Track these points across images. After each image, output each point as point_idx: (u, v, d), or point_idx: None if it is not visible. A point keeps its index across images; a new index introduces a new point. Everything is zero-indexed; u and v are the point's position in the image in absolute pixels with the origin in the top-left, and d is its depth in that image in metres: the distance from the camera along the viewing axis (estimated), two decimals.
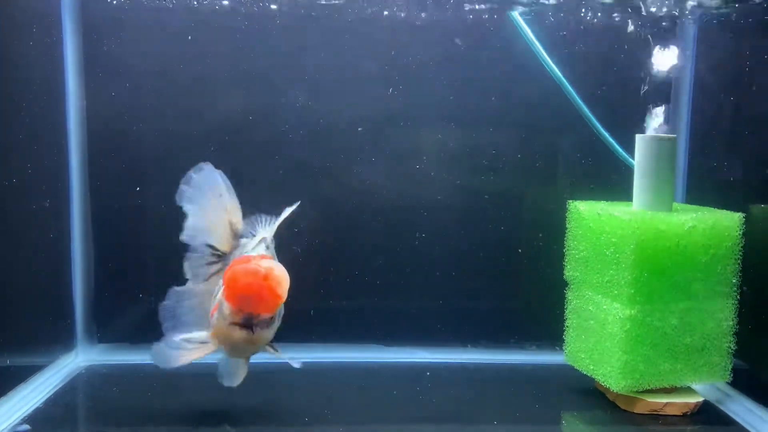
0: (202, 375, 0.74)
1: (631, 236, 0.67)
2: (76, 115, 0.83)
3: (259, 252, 0.62)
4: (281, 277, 0.57)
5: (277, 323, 0.60)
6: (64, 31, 0.81)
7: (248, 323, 0.57)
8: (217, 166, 0.83)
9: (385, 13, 0.83)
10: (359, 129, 0.85)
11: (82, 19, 0.82)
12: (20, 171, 0.73)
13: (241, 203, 0.85)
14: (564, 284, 0.77)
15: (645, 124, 0.72)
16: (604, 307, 0.71)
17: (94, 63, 0.82)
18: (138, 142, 0.84)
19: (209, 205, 0.64)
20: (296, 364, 0.64)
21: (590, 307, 0.73)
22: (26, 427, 0.64)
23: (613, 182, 0.83)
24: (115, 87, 0.83)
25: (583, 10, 0.84)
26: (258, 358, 0.83)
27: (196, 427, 0.65)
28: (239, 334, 0.58)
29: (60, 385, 0.74)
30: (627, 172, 0.79)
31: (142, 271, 0.85)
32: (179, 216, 0.84)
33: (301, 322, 0.86)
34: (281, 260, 0.63)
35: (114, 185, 0.84)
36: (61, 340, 0.82)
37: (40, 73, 0.78)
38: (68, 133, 0.82)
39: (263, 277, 0.56)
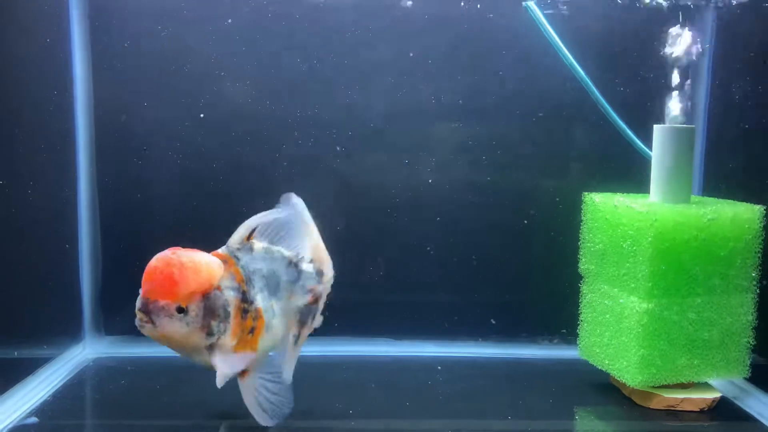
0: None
1: (649, 228, 0.66)
2: (84, 108, 0.82)
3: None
4: (186, 265, 0.55)
5: (195, 321, 0.56)
6: (71, 20, 0.80)
7: (144, 308, 0.55)
8: (226, 157, 0.83)
9: (409, 3, 0.82)
10: (349, 132, 0.84)
11: (89, 9, 0.81)
12: (28, 164, 0.73)
13: (251, 195, 0.84)
14: (577, 277, 0.76)
15: (666, 111, 0.70)
16: (621, 300, 0.69)
17: (102, 53, 0.81)
18: (146, 135, 0.83)
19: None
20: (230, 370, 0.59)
21: (606, 301, 0.72)
22: (34, 419, 0.64)
23: (629, 174, 0.82)
24: (123, 78, 0.82)
25: None
26: None
27: (204, 420, 0.64)
28: (139, 320, 0.56)
29: (67, 378, 0.74)
30: (644, 163, 0.78)
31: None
32: (186, 208, 0.84)
33: None
34: None
35: (122, 178, 0.83)
36: (68, 332, 0.81)
37: (47, 64, 0.77)
38: (76, 126, 0.82)
39: (167, 263, 0.55)
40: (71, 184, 0.82)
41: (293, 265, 0.64)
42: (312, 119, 0.84)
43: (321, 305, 0.66)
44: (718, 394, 0.70)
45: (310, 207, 0.83)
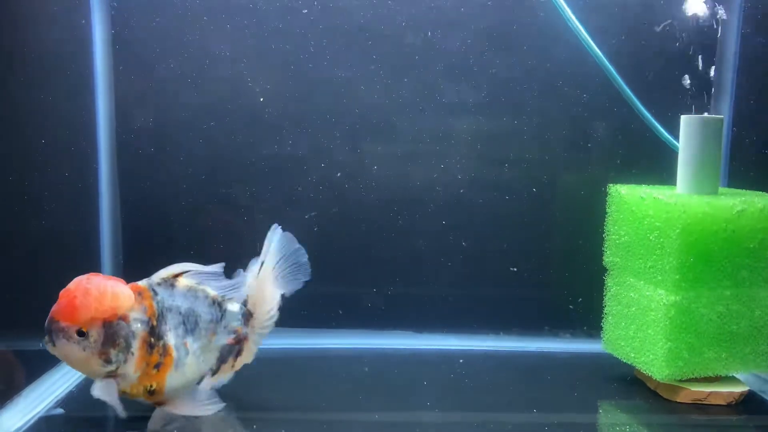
0: None
1: (676, 220, 0.65)
2: (105, 100, 0.82)
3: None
4: (91, 293, 0.57)
5: (93, 346, 0.56)
6: (92, 13, 0.80)
7: (47, 327, 0.57)
8: (244, 149, 0.83)
9: None
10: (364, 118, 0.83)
11: (110, 1, 0.81)
12: (50, 159, 0.73)
13: (265, 184, 0.83)
14: (600, 270, 0.75)
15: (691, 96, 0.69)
16: (647, 293, 0.68)
17: (122, 43, 0.81)
18: (167, 133, 0.83)
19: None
20: (121, 413, 0.58)
21: (631, 294, 0.71)
22: (60, 410, 0.64)
23: (654, 165, 0.81)
24: (143, 69, 0.82)
25: None
26: (287, 343, 0.83)
27: (226, 413, 0.64)
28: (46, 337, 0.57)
29: None
30: (670, 154, 0.77)
31: (170, 259, 0.84)
32: (207, 205, 0.84)
33: (333, 308, 0.85)
34: None
35: (142, 177, 0.83)
36: None
37: (68, 54, 0.78)
38: (97, 125, 0.82)
39: (76, 286, 0.57)
40: (93, 183, 0.82)
41: (216, 304, 0.63)
42: (333, 114, 0.83)
43: (250, 346, 0.66)
44: (745, 388, 0.69)
45: (333, 200, 0.83)
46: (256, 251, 0.66)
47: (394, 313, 0.86)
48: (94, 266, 0.83)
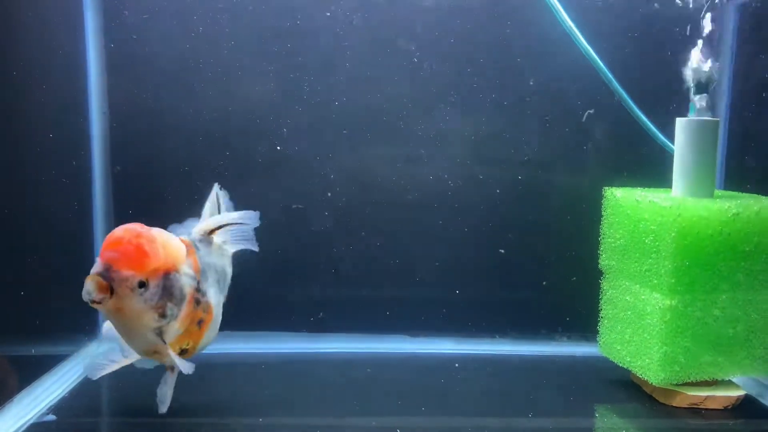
0: (227, 365, 0.73)
1: (672, 223, 0.64)
2: (98, 102, 0.82)
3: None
4: (157, 240, 0.54)
5: (152, 299, 0.53)
6: (84, 7, 0.80)
7: (106, 273, 0.52)
8: (241, 147, 0.82)
9: None
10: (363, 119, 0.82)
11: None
12: (43, 169, 0.73)
13: (262, 182, 0.83)
14: (596, 273, 0.75)
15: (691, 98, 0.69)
16: (643, 297, 0.68)
17: (115, 38, 0.81)
18: (160, 134, 0.82)
19: None
20: (187, 369, 0.57)
21: (627, 297, 0.71)
22: (52, 416, 0.63)
23: (650, 168, 0.81)
24: (136, 65, 0.81)
25: None
26: (281, 348, 0.83)
27: (221, 418, 0.64)
28: (92, 290, 0.52)
29: (84, 375, 0.73)
30: (665, 157, 0.77)
31: None
32: (202, 201, 0.84)
33: (328, 312, 0.85)
34: None
35: (136, 175, 0.83)
36: (84, 329, 0.81)
37: (60, 46, 0.77)
38: (90, 122, 0.81)
39: (136, 234, 0.54)
40: (86, 184, 0.82)
41: (232, 263, 0.64)
42: (331, 114, 0.83)
43: None
44: (742, 392, 0.69)
45: (324, 200, 0.83)
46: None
47: (388, 317, 0.85)
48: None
